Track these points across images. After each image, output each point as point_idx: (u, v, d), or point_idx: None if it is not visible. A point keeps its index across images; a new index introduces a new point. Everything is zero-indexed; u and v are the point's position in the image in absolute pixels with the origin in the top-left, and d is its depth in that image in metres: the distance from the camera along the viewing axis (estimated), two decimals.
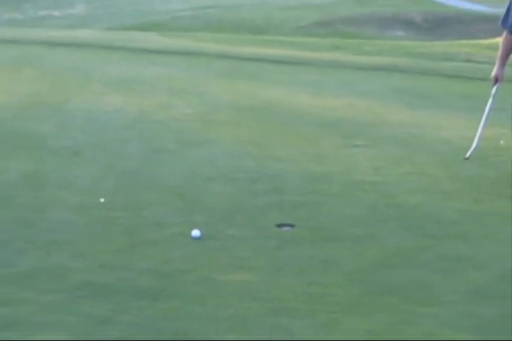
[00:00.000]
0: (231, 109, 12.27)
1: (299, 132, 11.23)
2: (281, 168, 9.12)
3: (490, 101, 8.87)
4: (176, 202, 7.72)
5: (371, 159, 9.82)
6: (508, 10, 7.99)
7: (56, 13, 76.92)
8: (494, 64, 11.32)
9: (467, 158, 8.24)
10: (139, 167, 8.72)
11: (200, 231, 6.90)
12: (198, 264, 6.31)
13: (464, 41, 30.34)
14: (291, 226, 7.29)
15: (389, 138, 10.89)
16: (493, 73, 8.66)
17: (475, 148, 8.23)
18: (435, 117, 12.51)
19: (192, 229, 6.91)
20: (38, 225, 7.10)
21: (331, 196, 8.28)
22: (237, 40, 27.56)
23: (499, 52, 8.46)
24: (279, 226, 7.27)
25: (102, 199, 7.79)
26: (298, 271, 6.25)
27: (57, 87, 14.39)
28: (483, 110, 11.63)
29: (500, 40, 8.44)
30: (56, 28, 48.17)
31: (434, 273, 6.26)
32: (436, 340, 5.01)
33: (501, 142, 10.84)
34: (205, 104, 12.67)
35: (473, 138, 8.48)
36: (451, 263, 6.48)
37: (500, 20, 8.30)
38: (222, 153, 9.73)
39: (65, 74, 16.13)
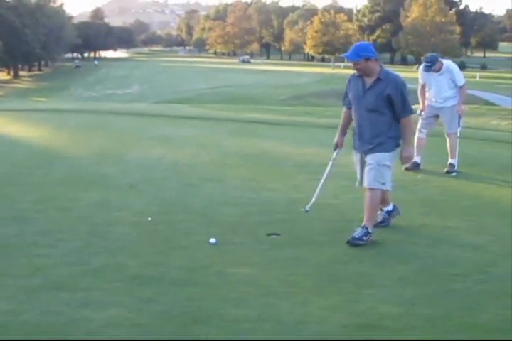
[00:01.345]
0: (237, 156, 12.27)
1: (282, 171, 11.23)
2: (271, 196, 9.12)
3: (330, 163, 7.94)
4: (199, 219, 7.71)
5: (330, 188, 9.74)
6: (346, 91, 7.47)
7: (119, 92, 77.44)
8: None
9: (307, 211, 7.66)
10: (174, 196, 8.71)
11: (216, 239, 6.89)
12: (214, 262, 6.29)
13: None
14: (278, 234, 7.26)
15: (342, 175, 10.78)
16: (335, 140, 7.76)
17: (313, 203, 7.73)
18: None
19: (210, 238, 6.91)
20: (105, 236, 7.10)
21: (304, 214, 8.24)
22: (241, 108, 27.64)
23: (340, 123, 7.73)
24: (269, 235, 7.24)
25: (149, 218, 7.77)
26: (281, 266, 6.23)
27: (119, 143, 14.41)
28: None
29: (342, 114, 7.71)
30: (119, 102, 48.45)
31: (372, 267, 6.24)
32: None
33: (418, 176, 10.83)
34: (219, 153, 12.68)
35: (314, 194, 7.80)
36: (383, 259, 6.47)
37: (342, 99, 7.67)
38: (230, 186, 9.73)
39: (125, 134, 16.16)
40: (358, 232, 6.97)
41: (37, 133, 16.09)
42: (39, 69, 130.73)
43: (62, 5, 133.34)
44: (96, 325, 4.68)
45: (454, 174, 10.91)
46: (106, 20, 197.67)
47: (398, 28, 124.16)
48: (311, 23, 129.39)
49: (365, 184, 7.25)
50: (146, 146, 13.84)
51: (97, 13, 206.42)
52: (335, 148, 7.78)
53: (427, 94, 11.46)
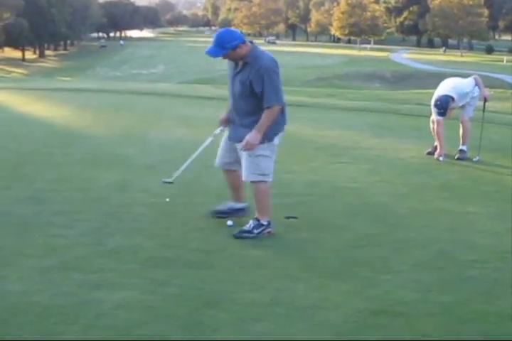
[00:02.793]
0: None
1: (302, 153, 11.16)
2: (290, 178, 9.04)
3: (209, 139, 7.15)
4: (217, 202, 7.64)
5: (350, 171, 9.74)
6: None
7: (144, 71, 77.64)
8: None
9: (172, 182, 7.27)
10: (193, 177, 8.64)
11: (233, 221, 6.84)
12: (229, 244, 6.25)
13: (417, 90, 30.17)
14: (295, 217, 7.21)
15: (363, 157, 10.81)
16: (220, 117, 6.96)
17: (177, 176, 7.25)
18: (394, 143, 12.42)
19: (227, 220, 6.86)
20: (122, 217, 7.08)
21: (322, 197, 8.21)
22: None
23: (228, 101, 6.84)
24: (287, 218, 7.19)
25: (167, 199, 7.72)
26: (298, 249, 6.18)
27: (141, 122, 14.40)
28: (427, 138, 11.56)
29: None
30: (143, 82, 48.43)
31: (390, 251, 6.17)
32: None
33: (440, 159, 10.72)
34: None
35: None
36: (402, 244, 6.39)
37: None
38: None
39: (147, 114, 16.17)
40: (248, 225, 6.61)
41: (59, 112, 16.11)
42: (65, 49, 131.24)
43: None
44: (107, 307, 4.64)
45: (475, 159, 10.75)
46: None
47: (425, 10, 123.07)
48: (338, 4, 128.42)
49: (243, 178, 6.74)
50: (167, 126, 13.81)
51: None
52: (219, 125, 7.02)
53: None
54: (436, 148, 11.08)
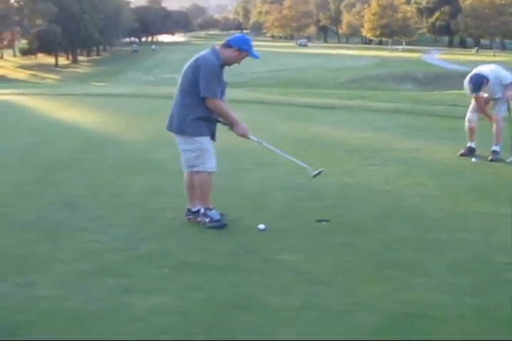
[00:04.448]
0: (290, 140, 12.19)
1: (334, 155, 11.14)
2: (321, 181, 8.96)
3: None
4: (249, 205, 7.67)
5: (383, 174, 9.69)
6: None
7: (176, 76, 77.37)
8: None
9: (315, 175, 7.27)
10: (227, 181, 8.65)
11: (265, 225, 6.83)
12: (261, 248, 6.24)
13: (450, 91, 29.99)
14: (327, 221, 7.17)
15: (396, 159, 10.74)
16: (242, 131, 7.13)
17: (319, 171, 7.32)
18: (428, 144, 12.34)
19: (259, 224, 6.85)
20: (156, 221, 7.12)
21: (355, 199, 8.18)
22: (296, 92, 27.55)
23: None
24: (319, 221, 7.16)
25: None
26: (331, 252, 6.14)
27: None
28: (460, 139, 11.47)
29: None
30: (175, 86, 48.58)
31: (424, 253, 6.11)
32: None
33: (473, 160, 10.65)
34: (274, 137, 12.50)
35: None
36: (436, 246, 6.33)
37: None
38: (282, 171, 9.66)
39: None
40: (204, 221, 6.97)
41: (92, 118, 16.23)
42: (97, 54, 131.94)
43: None
44: (139, 312, 4.65)
45: (509, 160, 10.64)
46: (163, 4, 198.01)
47: (457, 10, 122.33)
48: (369, 5, 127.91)
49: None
50: None
51: None
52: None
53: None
54: (469, 149, 11.01)
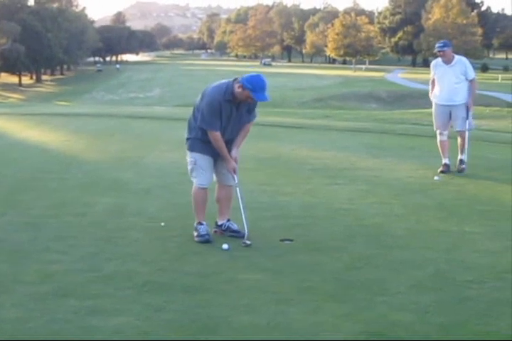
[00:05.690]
0: (254, 160, 12.17)
1: (298, 175, 11.16)
2: (285, 200, 9.04)
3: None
4: (213, 224, 7.62)
5: (347, 193, 9.72)
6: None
7: (141, 95, 77.82)
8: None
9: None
10: (189, 201, 8.61)
11: (229, 244, 6.83)
12: (226, 268, 6.24)
13: (413, 110, 30.27)
14: (291, 240, 7.19)
15: (359, 178, 10.80)
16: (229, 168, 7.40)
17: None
18: (391, 163, 12.39)
19: (223, 243, 6.85)
20: (118, 242, 7.07)
21: (319, 219, 8.19)
22: (261, 111, 27.54)
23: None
24: (282, 240, 7.17)
25: (162, 223, 7.74)
26: (294, 272, 6.15)
27: (137, 146, 14.42)
28: (423, 157, 11.58)
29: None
30: (140, 105, 48.58)
31: (387, 272, 6.14)
32: None
33: (435, 178, 10.72)
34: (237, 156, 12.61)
35: None
36: (399, 265, 6.36)
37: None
38: (246, 190, 9.58)
39: (143, 137, 16.21)
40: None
41: (55, 137, 16.11)
42: (61, 74, 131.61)
43: (83, 9, 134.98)
44: (103, 334, 4.62)
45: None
46: (127, 24, 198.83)
47: (420, 30, 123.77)
48: (332, 25, 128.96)
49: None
50: (163, 150, 13.79)
51: (119, 17, 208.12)
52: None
53: (435, 91, 11.41)
54: (445, 165, 11.11)
